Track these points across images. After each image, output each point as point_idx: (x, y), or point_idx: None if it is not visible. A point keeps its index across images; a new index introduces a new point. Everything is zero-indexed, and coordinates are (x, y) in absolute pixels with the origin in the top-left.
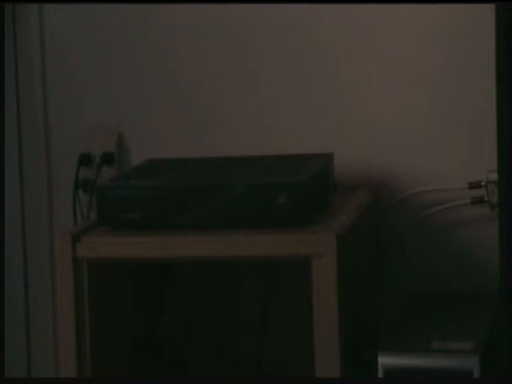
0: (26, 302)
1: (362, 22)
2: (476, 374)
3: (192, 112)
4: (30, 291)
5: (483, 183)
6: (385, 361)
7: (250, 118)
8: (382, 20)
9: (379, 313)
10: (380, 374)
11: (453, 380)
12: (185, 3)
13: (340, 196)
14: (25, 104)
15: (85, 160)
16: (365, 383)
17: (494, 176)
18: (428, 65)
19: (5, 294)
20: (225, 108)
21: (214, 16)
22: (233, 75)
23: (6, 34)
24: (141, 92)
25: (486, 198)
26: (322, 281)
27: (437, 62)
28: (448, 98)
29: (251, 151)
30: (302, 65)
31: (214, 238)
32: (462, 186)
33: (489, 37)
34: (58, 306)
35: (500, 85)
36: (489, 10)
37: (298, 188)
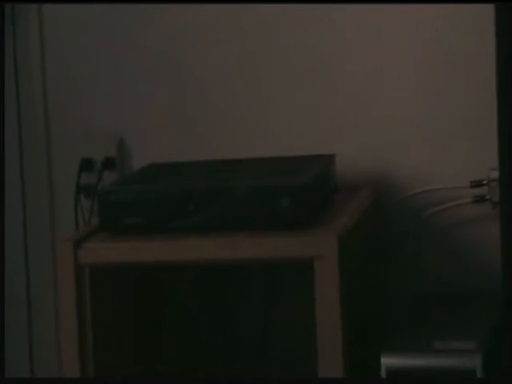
0: (28, 307)
1: (364, 23)
2: (479, 374)
3: (193, 115)
4: (31, 296)
5: (485, 181)
6: (388, 361)
7: (252, 120)
8: (384, 22)
9: (382, 313)
10: (383, 375)
11: (456, 380)
12: (186, 3)
13: (342, 197)
14: (25, 108)
15: (86, 165)
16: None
17: (496, 174)
18: (429, 65)
19: (6, 299)
20: (226, 111)
21: (216, 18)
22: (235, 78)
23: (5, 40)
24: (141, 96)
25: (488, 197)
26: (325, 282)
27: (438, 61)
28: (449, 97)
29: (253, 153)
30: (303, 67)
31: (217, 241)
32: (464, 185)
33: (489, 37)
34: (61, 312)
35: (501, 84)
36: (489, 9)
37: (300, 190)
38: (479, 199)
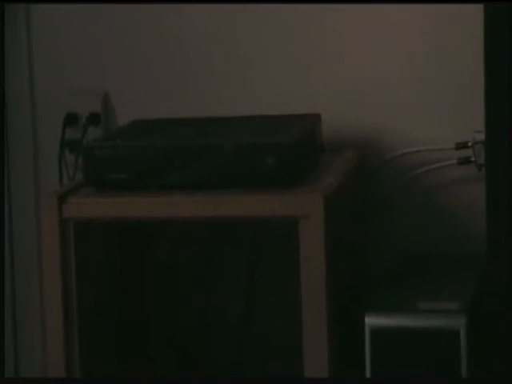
0: (12, 263)
1: None
2: (463, 334)
3: (178, 72)
4: (15, 252)
5: (470, 143)
6: (372, 321)
7: (238, 78)
8: None
9: (366, 273)
10: (367, 334)
11: (440, 340)
12: None
13: (327, 157)
14: (10, 63)
15: (71, 120)
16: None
17: (481, 136)
18: (416, 28)
19: None
20: (212, 68)
21: None
22: (220, 35)
23: None
24: (127, 51)
25: (473, 159)
26: (309, 242)
27: (425, 23)
28: (435, 58)
29: (239, 111)
30: (289, 25)
31: (201, 198)
32: (449, 147)
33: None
34: (44, 267)
35: (488, 45)
36: None
37: (285, 148)
38: (464, 161)
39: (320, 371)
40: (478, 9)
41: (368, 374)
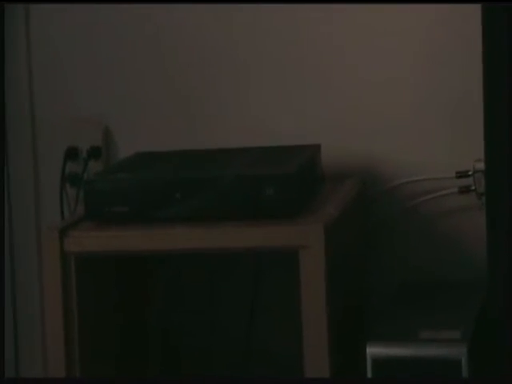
0: (13, 297)
1: (352, 14)
2: (464, 363)
3: (179, 104)
4: (17, 286)
5: (470, 172)
6: (373, 350)
7: (237, 109)
8: (373, 12)
9: (367, 302)
10: (368, 364)
11: (441, 370)
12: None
13: (327, 187)
14: (11, 97)
15: (72, 154)
16: (357, 382)
17: (481, 165)
18: (414, 55)
19: None
20: (212, 100)
21: (202, 8)
22: (220, 68)
23: None
24: (127, 85)
25: (473, 187)
26: (310, 272)
27: (423, 52)
28: (434, 87)
29: (238, 143)
30: (288, 56)
31: (202, 230)
32: (450, 176)
33: (475, 29)
34: (46, 301)
35: (487, 74)
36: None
37: (285, 179)
38: (465, 190)
39: None
40: (477, 35)
41: None
